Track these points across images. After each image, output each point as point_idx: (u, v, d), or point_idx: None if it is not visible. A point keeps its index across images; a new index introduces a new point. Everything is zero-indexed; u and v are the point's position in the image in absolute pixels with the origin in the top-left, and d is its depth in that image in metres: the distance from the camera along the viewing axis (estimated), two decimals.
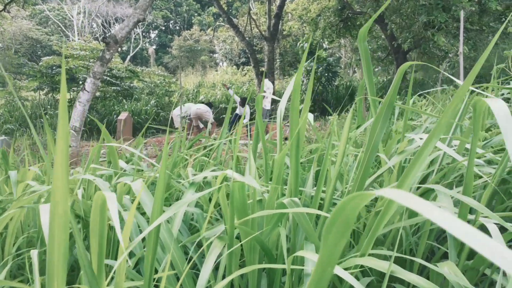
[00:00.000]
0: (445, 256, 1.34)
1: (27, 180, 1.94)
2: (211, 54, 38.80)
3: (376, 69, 20.68)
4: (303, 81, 15.51)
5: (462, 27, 3.40)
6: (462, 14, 3.18)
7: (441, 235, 1.46)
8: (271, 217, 1.06)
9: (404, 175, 0.82)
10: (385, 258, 1.25)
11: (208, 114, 9.59)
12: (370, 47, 19.12)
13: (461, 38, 3.45)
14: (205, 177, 1.53)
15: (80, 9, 29.68)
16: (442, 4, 10.58)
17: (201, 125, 9.92)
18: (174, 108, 11.20)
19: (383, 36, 16.37)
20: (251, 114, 10.54)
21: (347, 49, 25.41)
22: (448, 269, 0.92)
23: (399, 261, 1.29)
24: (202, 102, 11.18)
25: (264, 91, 9.70)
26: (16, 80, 15.73)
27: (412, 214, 1.28)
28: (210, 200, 1.53)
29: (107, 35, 7.12)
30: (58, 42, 17.91)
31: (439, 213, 0.26)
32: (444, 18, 10.59)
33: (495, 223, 0.97)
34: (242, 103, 9.97)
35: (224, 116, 12.22)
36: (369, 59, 1.12)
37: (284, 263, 1.06)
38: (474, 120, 0.99)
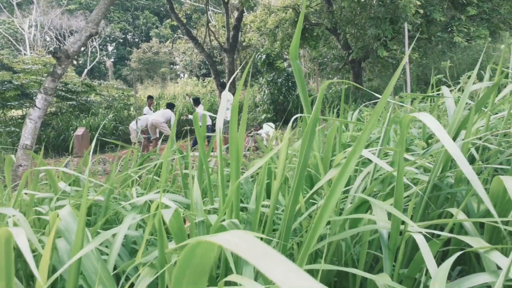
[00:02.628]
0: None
1: None
2: (172, 66, 38.46)
3: (335, 78, 21.21)
4: (264, 92, 15.65)
5: (406, 39, 3.56)
6: (406, 26, 3.33)
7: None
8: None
9: (331, 191, 0.83)
10: (328, 272, 1.27)
11: (163, 126, 9.48)
12: (327, 57, 19.63)
13: (406, 48, 3.59)
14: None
15: (31, 22, 28.63)
16: (389, 17, 11.07)
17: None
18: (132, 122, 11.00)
19: (339, 46, 16.86)
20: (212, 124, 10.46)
21: (306, 59, 25.94)
22: (383, 281, 0.94)
23: (343, 273, 1.31)
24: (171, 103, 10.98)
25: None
26: None
27: (353, 225, 1.31)
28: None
29: (58, 49, 6.90)
30: (9, 57, 17.16)
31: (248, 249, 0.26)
32: (391, 33, 11.08)
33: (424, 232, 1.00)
34: (195, 103, 9.97)
35: (184, 128, 12.07)
36: (302, 77, 1.14)
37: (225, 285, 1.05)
38: (401, 134, 1.04)
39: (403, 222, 1.09)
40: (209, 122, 9.71)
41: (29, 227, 1.12)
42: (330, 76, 21.70)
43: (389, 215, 1.24)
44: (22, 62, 14.53)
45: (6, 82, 12.92)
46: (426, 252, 0.89)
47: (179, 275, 0.36)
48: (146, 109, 11.13)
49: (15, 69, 13.95)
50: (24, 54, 26.53)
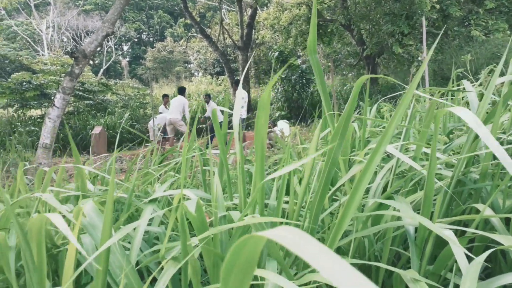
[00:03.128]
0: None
1: None
2: (186, 65, 38.66)
3: (350, 74, 21.06)
4: (278, 89, 15.62)
5: (424, 33, 3.51)
6: (423, 20, 3.29)
7: (406, 240, 1.48)
8: (235, 233, 1.05)
9: (356, 187, 0.83)
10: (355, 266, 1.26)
11: (181, 124, 9.48)
12: (341, 53, 19.48)
13: (424, 43, 3.55)
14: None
15: (49, 24, 29.11)
16: (405, 13, 10.91)
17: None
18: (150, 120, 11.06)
19: (353, 42, 16.70)
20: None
21: (320, 56, 25.78)
22: (410, 277, 0.93)
23: (365, 269, 1.30)
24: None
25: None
26: None
27: (375, 221, 1.30)
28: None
29: (75, 49, 7.00)
30: (28, 57, 17.50)
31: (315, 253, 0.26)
32: (407, 29, 10.93)
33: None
34: (207, 100, 9.93)
35: (200, 126, 12.13)
36: (321, 72, 1.13)
37: None
38: (435, 128, 1.02)
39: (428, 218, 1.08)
40: (222, 119, 9.71)
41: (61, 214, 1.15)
42: (344, 72, 21.55)
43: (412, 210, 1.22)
44: (40, 63, 14.80)
45: (25, 83, 13.19)
46: (457, 248, 0.88)
47: (227, 270, 0.36)
48: (161, 107, 11.19)
49: (34, 69, 14.22)
50: (42, 55, 27.01)
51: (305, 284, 0.94)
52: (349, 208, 0.88)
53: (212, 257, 1.00)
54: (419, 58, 13.92)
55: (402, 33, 11.25)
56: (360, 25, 13.79)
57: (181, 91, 9.89)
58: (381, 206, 1.26)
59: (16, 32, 30.06)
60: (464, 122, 2.02)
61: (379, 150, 0.81)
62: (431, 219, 1.06)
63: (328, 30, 15.80)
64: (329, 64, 18.83)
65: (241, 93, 6.72)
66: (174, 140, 9.72)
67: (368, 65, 15.29)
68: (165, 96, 11.51)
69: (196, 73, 37.66)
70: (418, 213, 1.22)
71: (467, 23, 12.34)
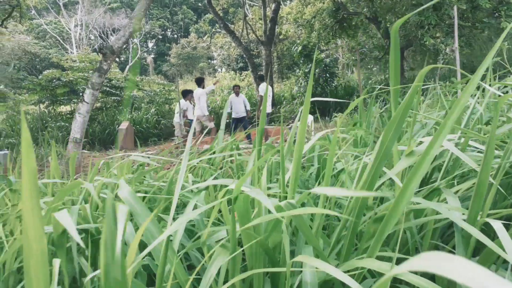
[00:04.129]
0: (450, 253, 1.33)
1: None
2: (209, 61, 38.91)
3: (374, 68, 20.72)
4: (301, 83, 15.54)
5: (456, 23, 3.42)
6: (455, 9, 3.20)
7: (445, 232, 1.45)
8: (272, 221, 1.06)
9: (409, 178, 0.82)
10: (390, 259, 1.25)
11: (206, 120, 9.49)
12: (366, 46, 19.17)
13: (456, 34, 3.46)
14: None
15: (77, 22, 29.82)
16: (433, 4, 10.62)
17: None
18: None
19: (379, 35, 16.41)
20: (251, 118, 10.39)
21: (344, 49, 25.45)
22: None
23: (404, 261, 1.28)
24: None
25: (261, 96, 9.65)
26: (16, 95, 15.77)
27: (418, 214, 1.27)
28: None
29: (103, 46, 7.15)
30: (57, 55, 17.99)
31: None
32: (435, 20, 10.64)
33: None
34: (237, 91, 9.78)
35: (226, 121, 12.19)
36: (399, 51, 1.10)
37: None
38: (495, 117, 0.99)
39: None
40: (242, 114, 9.67)
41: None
42: (369, 66, 21.21)
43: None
44: (69, 60, 15.19)
45: (55, 80, 13.58)
46: (507, 241, 0.86)
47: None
48: (182, 101, 11.18)
49: (63, 66, 14.61)
50: (71, 53, 27.71)
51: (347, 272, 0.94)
52: (401, 199, 0.88)
53: (255, 247, 1.01)
54: (446, 51, 13.56)
55: (430, 24, 10.96)
56: (386, 17, 13.53)
57: (198, 82, 9.57)
58: (427, 198, 1.24)
59: (45, 30, 30.94)
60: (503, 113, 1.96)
61: (437, 141, 0.80)
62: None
63: (353, 23, 15.56)
64: (354, 57, 18.59)
65: (263, 88, 6.79)
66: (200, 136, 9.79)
67: None
68: (189, 92, 11.42)
69: (219, 69, 37.85)
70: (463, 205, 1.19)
71: (497, 14, 11.92)
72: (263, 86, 9.71)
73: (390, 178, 1.41)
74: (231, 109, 9.74)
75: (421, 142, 1.36)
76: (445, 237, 1.45)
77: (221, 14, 18.64)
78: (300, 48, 15.30)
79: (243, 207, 0.94)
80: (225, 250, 0.95)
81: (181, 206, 1.79)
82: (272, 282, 1.12)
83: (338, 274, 0.75)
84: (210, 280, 0.88)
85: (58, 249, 1.41)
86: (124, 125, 11.15)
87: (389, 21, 14.10)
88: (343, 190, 0.94)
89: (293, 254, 1.18)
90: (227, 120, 10.79)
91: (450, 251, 1.27)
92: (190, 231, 1.54)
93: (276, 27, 17.84)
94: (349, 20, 15.58)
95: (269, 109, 9.64)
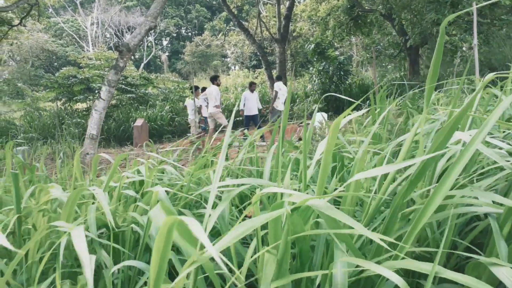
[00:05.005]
0: (467, 250, 1.32)
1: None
2: (223, 59, 39.04)
3: (389, 66, 20.51)
4: (314, 81, 15.48)
5: (475, 20, 3.38)
6: (474, 5, 3.17)
7: (463, 229, 1.44)
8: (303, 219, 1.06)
9: (447, 173, 0.84)
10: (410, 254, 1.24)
11: (220, 116, 9.49)
12: (381, 44, 18.99)
13: (475, 30, 3.42)
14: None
15: (93, 20, 30.24)
16: (450, 0, 10.48)
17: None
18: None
19: (394, 33, 16.25)
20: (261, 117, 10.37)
21: (358, 47, 25.27)
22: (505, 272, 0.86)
23: (423, 257, 1.28)
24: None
25: (277, 92, 9.64)
26: (34, 92, 16.09)
27: (438, 209, 1.27)
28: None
29: (120, 43, 7.24)
30: (74, 53, 18.27)
31: None
32: (452, 18, 10.48)
33: None
34: (253, 89, 9.73)
35: (238, 119, 12.23)
36: (442, 47, 1.10)
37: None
38: None
39: None
40: (255, 112, 9.65)
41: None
42: (383, 64, 21.00)
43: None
44: (86, 58, 15.42)
45: (71, 77, 13.81)
46: None
47: None
48: (199, 100, 11.23)
49: (80, 64, 14.84)
50: (87, 50, 28.11)
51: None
52: (439, 191, 0.88)
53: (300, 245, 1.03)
54: (463, 48, 13.36)
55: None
56: (401, 14, 13.38)
57: (212, 79, 9.53)
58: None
59: (62, 28, 31.45)
60: None
61: (479, 136, 0.82)
62: None
63: (368, 20, 15.45)
64: (368, 55, 18.44)
65: (278, 85, 6.82)
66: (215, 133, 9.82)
67: (410, 56, 14.85)
68: (196, 88, 11.29)
69: (232, 67, 37.95)
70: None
71: None
72: (278, 83, 9.74)
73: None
74: (243, 105, 9.75)
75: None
76: (462, 234, 1.44)
77: (235, 12, 18.69)
78: (313, 45, 15.23)
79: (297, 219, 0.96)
80: (273, 256, 0.96)
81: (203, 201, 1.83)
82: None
83: (384, 271, 0.77)
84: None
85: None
86: (139, 122, 11.28)
87: (404, 18, 13.95)
88: (387, 167, 0.94)
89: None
90: (240, 118, 10.80)
91: (467, 247, 1.26)
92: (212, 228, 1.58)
93: (290, 24, 17.81)
94: (364, 17, 15.47)
95: (281, 107, 9.62)
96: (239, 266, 1.23)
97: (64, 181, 3.11)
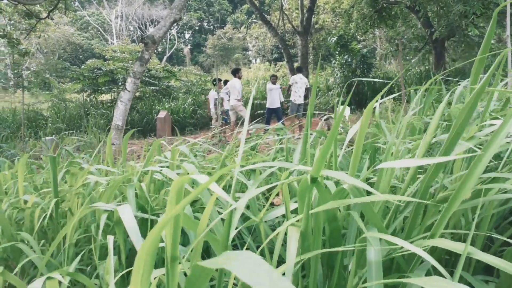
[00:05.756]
0: (504, 244, 1.31)
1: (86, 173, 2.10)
2: (244, 52, 39.04)
3: (413, 59, 20.11)
4: (337, 74, 15.34)
5: (508, 11, 3.30)
6: None
7: (500, 224, 1.43)
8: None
9: (478, 159, 0.84)
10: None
11: (241, 109, 9.51)
12: (405, 37, 18.64)
13: (508, 21, 3.34)
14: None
15: (117, 13, 30.69)
16: None
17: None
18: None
19: (419, 25, 15.92)
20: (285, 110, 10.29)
21: (382, 40, 24.85)
22: None
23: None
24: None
25: (291, 85, 9.57)
26: (60, 84, 16.50)
27: (476, 196, 1.27)
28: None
29: (145, 35, 7.35)
30: (99, 46, 18.61)
31: None
32: (480, 10, 10.19)
33: None
34: (274, 81, 9.70)
35: (260, 111, 12.25)
36: (491, 37, 1.10)
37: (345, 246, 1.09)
38: None
39: None
40: (277, 105, 9.60)
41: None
42: (407, 57, 20.62)
43: None
44: (110, 51, 15.70)
45: (96, 69, 14.11)
46: None
47: None
48: (214, 93, 11.20)
49: (104, 57, 15.12)
50: (111, 43, 28.58)
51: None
52: (471, 176, 0.89)
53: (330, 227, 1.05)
54: (493, 41, 12.98)
55: (475, 14, 10.53)
56: (427, 6, 13.09)
57: (234, 72, 9.63)
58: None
59: (88, 22, 32.06)
60: None
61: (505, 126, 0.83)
62: None
63: (392, 13, 15.17)
64: (392, 48, 18.13)
65: (294, 78, 6.79)
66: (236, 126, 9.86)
67: (436, 49, 14.53)
68: (219, 80, 11.32)
69: (253, 60, 37.93)
70: None
71: None
72: (294, 76, 9.66)
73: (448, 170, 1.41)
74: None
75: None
76: (499, 228, 1.42)
77: (257, 4, 18.63)
78: (336, 38, 15.07)
79: (305, 187, 0.98)
80: (297, 228, 0.97)
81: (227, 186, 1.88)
82: (327, 263, 1.16)
83: (416, 249, 0.76)
84: (294, 252, 0.90)
85: (116, 225, 1.53)
86: (162, 114, 11.44)
87: (430, 10, 13.64)
88: (412, 160, 0.95)
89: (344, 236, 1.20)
90: (262, 111, 10.83)
91: (505, 242, 1.24)
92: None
93: (313, 17, 17.65)
94: (389, 9, 15.20)
95: (299, 100, 9.54)
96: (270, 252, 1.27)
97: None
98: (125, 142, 2.44)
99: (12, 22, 16.06)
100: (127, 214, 1.06)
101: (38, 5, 12.93)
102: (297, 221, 1.04)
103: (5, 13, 13.34)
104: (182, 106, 13.84)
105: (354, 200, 0.90)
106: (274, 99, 9.50)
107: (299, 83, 9.52)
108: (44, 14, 13.38)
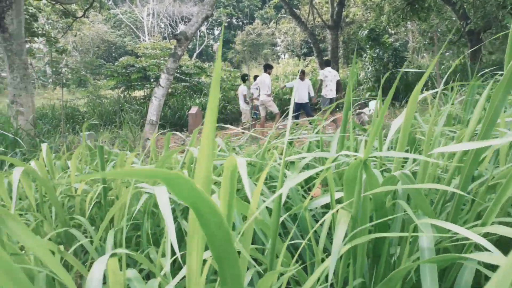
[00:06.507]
0: None
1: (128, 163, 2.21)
2: (273, 47, 38.97)
3: (446, 53, 19.52)
4: (368, 68, 15.11)
5: None
6: None
7: None
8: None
9: None
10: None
11: (271, 104, 9.53)
12: (439, 29, 18.12)
13: None
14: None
15: (149, 11, 31.30)
16: None
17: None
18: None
19: (453, 18, 15.44)
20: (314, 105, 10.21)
21: (414, 33, 24.23)
22: None
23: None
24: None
25: (322, 80, 9.46)
26: (95, 80, 17.04)
27: None
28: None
29: (177, 32, 7.50)
30: (131, 43, 19.06)
31: None
32: None
33: None
34: (302, 77, 9.66)
35: (288, 107, 12.23)
36: None
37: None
38: None
39: None
40: (305, 100, 9.55)
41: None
42: (441, 51, 20.01)
43: None
44: (142, 48, 16.06)
45: (129, 66, 14.47)
46: None
47: None
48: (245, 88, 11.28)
49: (137, 54, 15.49)
50: (143, 40, 29.19)
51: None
52: None
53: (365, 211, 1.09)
54: None
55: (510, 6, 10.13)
56: None
57: (265, 68, 9.69)
58: None
59: (121, 20, 32.86)
60: None
61: None
62: None
63: (425, 5, 14.78)
64: (425, 42, 17.67)
65: (323, 72, 6.74)
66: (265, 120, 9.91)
67: (471, 41, 14.07)
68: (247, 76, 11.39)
69: (282, 55, 37.81)
70: None
71: None
72: (323, 70, 9.51)
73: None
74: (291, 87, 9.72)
75: None
76: None
77: None
78: (367, 31, 14.82)
79: (353, 173, 1.02)
80: (348, 212, 0.99)
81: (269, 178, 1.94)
82: (373, 251, 1.18)
83: (471, 235, 0.76)
84: (342, 235, 0.93)
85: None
86: (193, 109, 11.63)
87: (466, 1, 13.20)
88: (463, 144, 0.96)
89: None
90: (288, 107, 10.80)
91: None
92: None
93: (343, 10, 17.43)
94: (422, 1, 14.81)
95: (331, 94, 9.42)
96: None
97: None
98: (168, 137, 2.54)
99: (50, 21, 16.69)
100: (163, 195, 1.13)
101: (74, 4, 13.39)
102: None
103: (43, 12, 13.88)
104: None
105: (407, 186, 0.93)
106: (302, 94, 9.45)
107: (329, 76, 9.37)
108: (80, 13, 13.84)
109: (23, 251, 1.49)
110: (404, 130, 1.11)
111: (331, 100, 9.43)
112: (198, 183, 0.68)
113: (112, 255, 0.98)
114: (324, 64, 10.04)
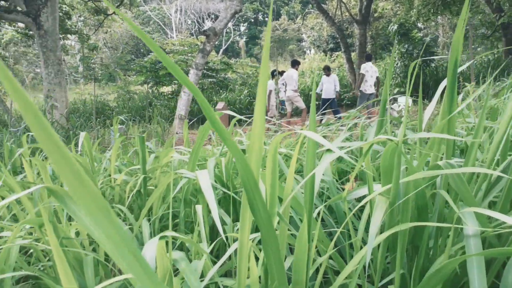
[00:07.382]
0: None
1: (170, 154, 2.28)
2: (298, 43, 38.75)
3: (479, 48, 18.93)
4: (397, 64, 14.84)
5: None
6: None
7: None
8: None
9: None
10: None
11: (298, 100, 9.51)
12: (472, 23, 17.57)
13: None
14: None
15: (177, 8, 31.67)
16: None
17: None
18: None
19: (486, 11, 14.95)
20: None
21: (445, 28, 23.59)
22: None
23: None
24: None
25: (363, 74, 9.23)
26: (125, 76, 17.43)
27: None
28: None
29: (206, 28, 7.58)
30: (160, 39, 19.34)
31: None
32: None
33: None
34: (327, 73, 9.58)
35: (317, 103, 12.14)
36: None
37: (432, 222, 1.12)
38: None
39: None
40: (332, 95, 9.48)
41: None
42: (473, 45, 19.43)
43: None
44: (170, 44, 16.30)
45: (158, 62, 14.72)
46: None
47: None
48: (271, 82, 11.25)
49: (165, 50, 15.73)
50: (171, 37, 29.59)
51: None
52: None
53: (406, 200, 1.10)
54: None
55: None
56: None
57: (293, 63, 9.66)
58: None
59: (149, 16, 33.39)
60: None
61: None
62: None
63: None
64: (467, 34, 17.15)
65: (365, 67, 6.67)
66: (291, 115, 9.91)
67: (506, 35, 13.61)
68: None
69: (308, 51, 37.55)
70: None
71: None
72: (365, 65, 9.25)
73: None
74: (321, 90, 9.68)
75: None
76: None
77: None
78: (396, 26, 14.54)
79: (390, 160, 1.03)
80: (386, 199, 0.99)
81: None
82: (412, 242, 1.17)
83: None
84: (378, 223, 0.93)
85: (200, 196, 1.68)
86: (220, 105, 11.75)
87: None
88: None
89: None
90: (317, 102, 10.74)
91: None
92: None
93: (372, 4, 17.14)
94: None
95: (370, 90, 9.19)
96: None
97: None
98: (202, 130, 2.60)
99: (82, 18, 17.16)
100: (205, 179, 1.17)
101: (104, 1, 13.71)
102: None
103: (76, 10, 14.28)
104: (238, 97, 14.10)
105: (451, 170, 0.93)
106: (328, 89, 9.40)
107: (370, 71, 9.07)
108: (111, 11, 14.17)
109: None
110: (443, 115, 1.11)
111: (370, 96, 9.21)
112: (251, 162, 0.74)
113: (161, 237, 1.04)
114: (365, 58, 9.77)
